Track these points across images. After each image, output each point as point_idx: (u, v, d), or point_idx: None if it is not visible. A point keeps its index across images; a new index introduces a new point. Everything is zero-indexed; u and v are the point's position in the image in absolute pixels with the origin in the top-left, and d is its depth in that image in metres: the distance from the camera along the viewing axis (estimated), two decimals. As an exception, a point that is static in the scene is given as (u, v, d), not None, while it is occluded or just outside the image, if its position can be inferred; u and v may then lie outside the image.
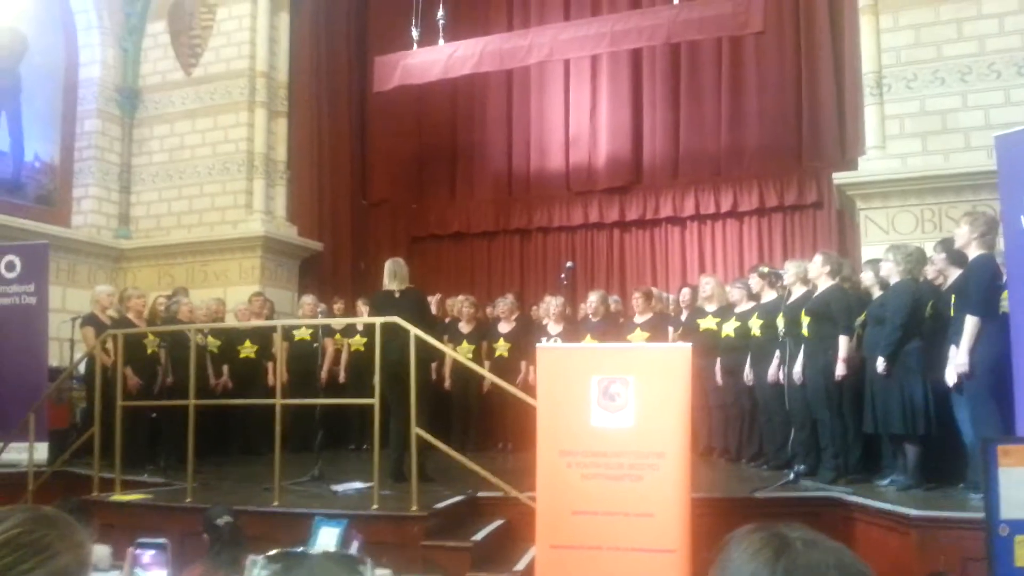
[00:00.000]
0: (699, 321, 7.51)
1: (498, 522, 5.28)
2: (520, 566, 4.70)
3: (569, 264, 9.23)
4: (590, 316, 7.98)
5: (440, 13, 9.61)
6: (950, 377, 4.99)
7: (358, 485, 5.75)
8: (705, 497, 4.96)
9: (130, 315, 7.48)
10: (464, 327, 8.72)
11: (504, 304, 8.83)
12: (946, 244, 5.48)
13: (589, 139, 11.79)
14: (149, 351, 7.25)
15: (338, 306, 9.47)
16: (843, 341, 5.73)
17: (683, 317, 8.01)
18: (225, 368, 8.21)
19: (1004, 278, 4.94)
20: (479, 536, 4.96)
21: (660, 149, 11.39)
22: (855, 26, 8.50)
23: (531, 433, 4.42)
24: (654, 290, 8.52)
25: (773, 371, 6.39)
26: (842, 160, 9.45)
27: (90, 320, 7.51)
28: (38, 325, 7.64)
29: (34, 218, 9.85)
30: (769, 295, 6.80)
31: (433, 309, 7.58)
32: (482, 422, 8.52)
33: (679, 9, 8.61)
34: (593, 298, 7.99)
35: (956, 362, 4.91)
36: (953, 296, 5.14)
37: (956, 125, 7.70)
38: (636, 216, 11.45)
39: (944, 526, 4.36)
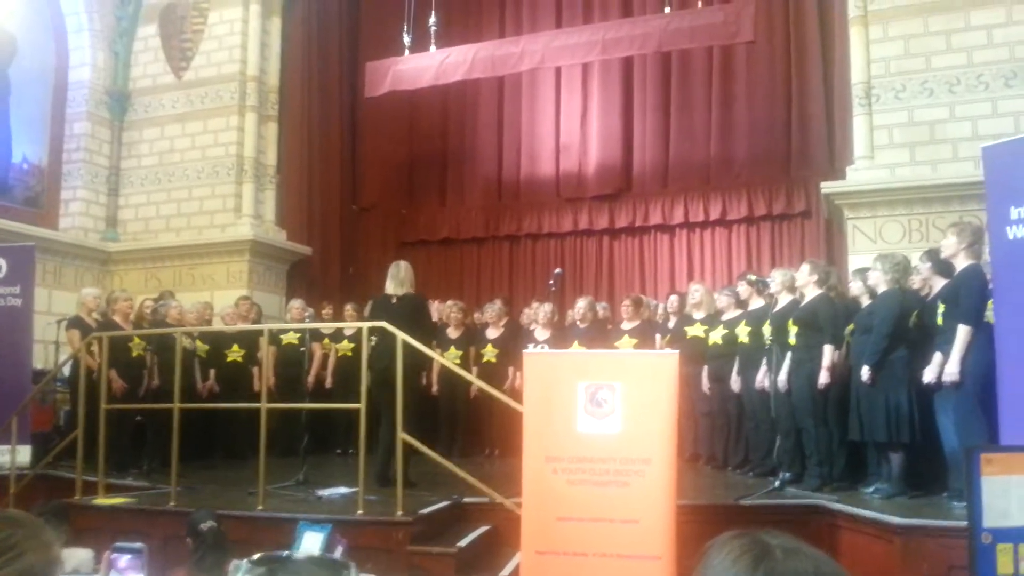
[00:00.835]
0: (687, 328, 7.52)
1: (483, 528, 5.27)
2: (505, 572, 4.70)
3: (558, 271, 9.22)
4: (578, 322, 7.98)
5: (432, 19, 9.61)
6: (929, 374, 5.02)
7: (343, 490, 5.72)
8: (691, 504, 4.98)
9: (116, 318, 7.43)
10: (452, 332, 8.70)
11: (492, 310, 8.83)
12: (932, 254, 5.54)
13: (579, 146, 11.80)
14: (135, 354, 7.21)
15: (326, 311, 9.43)
16: (827, 350, 5.75)
17: (671, 324, 8.02)
18: (212, 372, 8.18)
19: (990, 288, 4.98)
20: (464, 542, 4.95)
21: (650, 157, 11.41)
22: (845, 36, 8.56)
23: (518, 439, 4.40)
24: (643, 297, 8.53)
25: (760, 379, 6.40)
26: (831, 170, 9.50)
27: (76, 323, 7.48)
28: (23, 327, 7.57)
29: (21, 220, 9.79)
30: (756, 303, 6.82)
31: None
32: (469, 427, 8.51)
33: (670, 18, 8.66)
34: (581, 304, 7.98)
35: (947, 371, 4.95)
36: (942, 305, 5.17)
37: (944, 136, 7.76)
38: (625, 223, 11.46)
39: (928, 534, 4.38)
